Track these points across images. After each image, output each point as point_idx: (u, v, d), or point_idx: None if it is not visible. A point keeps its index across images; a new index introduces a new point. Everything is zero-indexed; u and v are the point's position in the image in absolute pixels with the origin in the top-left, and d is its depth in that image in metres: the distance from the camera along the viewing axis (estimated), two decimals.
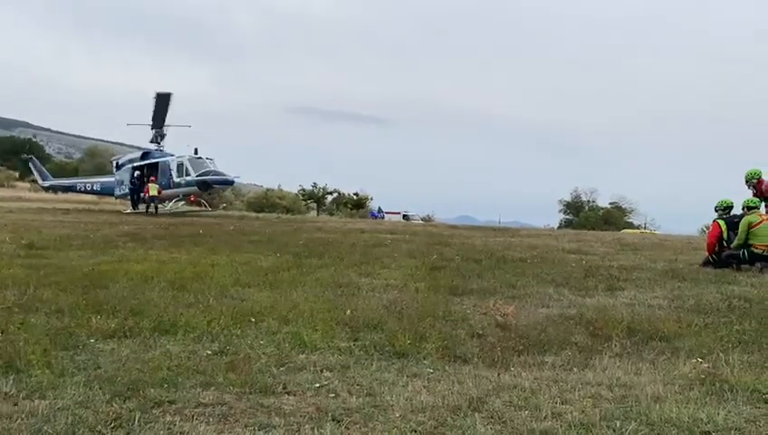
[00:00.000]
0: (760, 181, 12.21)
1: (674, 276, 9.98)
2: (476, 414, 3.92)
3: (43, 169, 37.36)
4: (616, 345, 5.68)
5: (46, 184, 35.91)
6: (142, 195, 29.33)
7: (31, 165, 37.14)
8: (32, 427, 3.55)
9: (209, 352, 5.14)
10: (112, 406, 3.89)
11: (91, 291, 7.44)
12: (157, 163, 29.72)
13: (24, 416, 3.70)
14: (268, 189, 64.75)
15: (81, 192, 34.52)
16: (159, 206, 29.46)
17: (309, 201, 65.38)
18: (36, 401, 3.94)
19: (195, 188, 28.91)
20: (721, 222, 11.69)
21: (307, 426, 3.70)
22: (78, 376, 4.46)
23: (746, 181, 12.35)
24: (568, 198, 68.88)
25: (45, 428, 3.54)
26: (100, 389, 4.18)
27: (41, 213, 24.61)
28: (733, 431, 3.70)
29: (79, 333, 5.56)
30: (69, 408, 3.82)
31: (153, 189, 28.48)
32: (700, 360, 5.20)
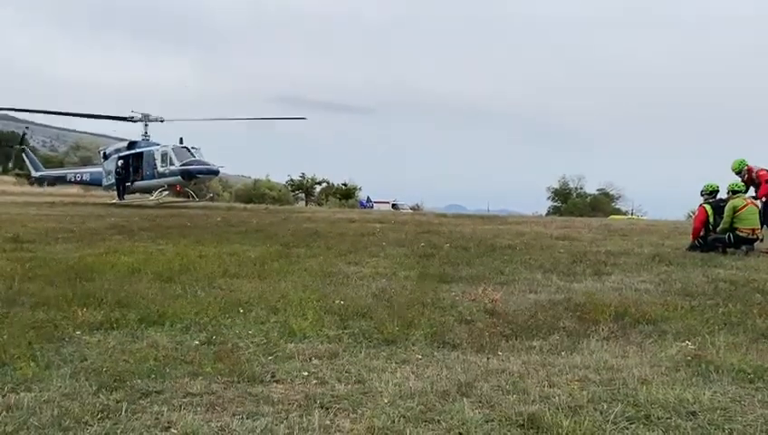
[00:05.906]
0: (749, 169, 12.32)
1: (660, 261, 10.06)
2: (465, 399, 3.94)
3: (36, 159, 37.53)
4: (603, 329, 5.73)
5: (38, 174, 36.21)
6: (128, 184, 29.24)
7: (24, 156, 37.38)
8: (17, 420, 3.52)
9: (197, 343, 5.13)
10: (99, 397, 3.87)
11: (77, 283, 7.37)
12: (142, 153, 29.54)
13: (9, 409, 3.67)
14: (257, 180, 64.38)
15: (72, 182, 34.63)
16: (145, 195, 29.31)
17: (297, 192, 65.10)
18: (22, 394, 3.91)
19: (178, 178, 28.65)
20: (707, 206, 11.79)
21: (295, 413, 3.70)
22: (64, 368, 4.43)
23: (736, 174, 12.42)
24: (556, 186, 69.07)
25: (31, 420, 3.51)
26: (86, 380, 4.15)
27: (26, 206, 24.27)
28: (718, 411, 3.74)
29: (65, 326, 5.52)
30: (55, 400, 3.80)
31: None
32: (686, 342, 5.26)
